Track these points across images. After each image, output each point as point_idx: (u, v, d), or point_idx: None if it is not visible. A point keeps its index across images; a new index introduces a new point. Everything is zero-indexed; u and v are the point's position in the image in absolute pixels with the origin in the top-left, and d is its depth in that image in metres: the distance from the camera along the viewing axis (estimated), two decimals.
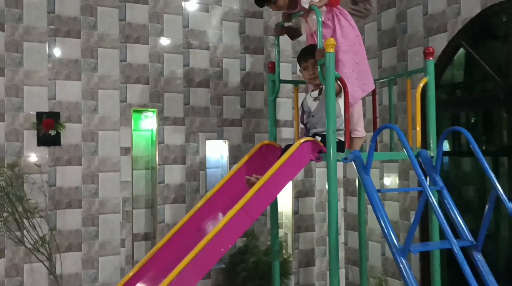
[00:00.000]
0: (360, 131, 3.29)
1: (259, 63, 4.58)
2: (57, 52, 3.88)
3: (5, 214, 3.46)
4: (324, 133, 2.98)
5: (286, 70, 4.57)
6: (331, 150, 2.91)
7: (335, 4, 3.17)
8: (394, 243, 2.58)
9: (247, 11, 4.55)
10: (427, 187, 2.39)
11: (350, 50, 3.18)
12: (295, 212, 4.68)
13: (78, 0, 3.95)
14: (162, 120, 4.20)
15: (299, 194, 4.71)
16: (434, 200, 2.38)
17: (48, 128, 3.75)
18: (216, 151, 4.56)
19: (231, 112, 4.45)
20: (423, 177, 2.40)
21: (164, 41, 4.24)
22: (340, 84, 2.98)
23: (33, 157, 3.75)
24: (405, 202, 4.12)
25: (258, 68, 4.58)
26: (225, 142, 4.45)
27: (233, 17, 4.50)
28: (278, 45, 3.54)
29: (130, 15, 4.12)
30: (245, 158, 3.42)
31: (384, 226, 2.67)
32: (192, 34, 4.34)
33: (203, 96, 4.35)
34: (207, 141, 4.36)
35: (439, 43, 3.79)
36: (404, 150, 2.59)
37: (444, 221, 2.33)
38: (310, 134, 3.18)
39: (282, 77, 3.61)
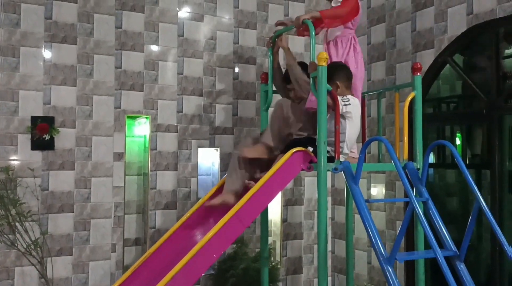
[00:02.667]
0: (355, 152, 3.42)
1: (251, 73, 4.68)
2: (53, 57, 3.93)
3: None
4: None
5: None
6: (322, 160, 3.00)
7: (327, 24, 3.29)
8: (381, 252, 2.68)
9: (241, 22, 4.65)
10: (413, 198, 2.49)
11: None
12: (284, 220, 4.76)
13: (76, 6, 4.01)
14: (155, 126, 4.26)
15: (288, 202, 4.80)
16: (420, 210, 2.48)
17: (42, 133, 3.79)
18: (208, 159, 4.63)
19: (223, 121, 4.53)
20: (409, 188, 2.50)
21: (159, 49, 4.31)
22: (332, 98, 3.08)
23: (26, 161, 3.78)
24: (392, 212, 4.23)
25: (250, 78, 4.67)
26: (217, 150, 4.53)
27: (227, 28, 4.59)
28: (271, 55, 3.63)
29: (126, 23, 4.19)
30: None
31: (371, 235, 2.77)
32: (186, 43, 4.42)
33: (196, 104, 4.43)
34: (199, 149, 4.43)
35: (426, 58, 3.93)
36: (392, 162, 2.70)
37: (429, 231, 2.43)
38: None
39: (273, 88, 3.70)
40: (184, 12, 4.42)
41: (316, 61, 3.03)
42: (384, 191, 4.36)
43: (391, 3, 4.31)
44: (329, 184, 4.92)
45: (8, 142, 3.74)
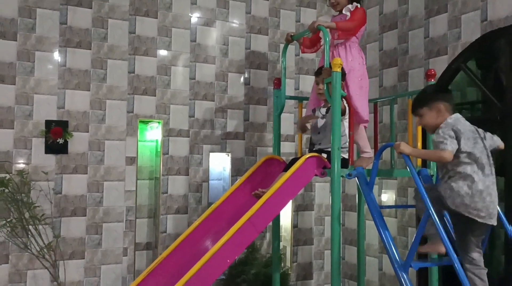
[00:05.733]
0: (369, 151, 3.43)
1: (263, 78, 4.69)
2: (67, 62, 3.96)
3: (13, 220, 3.50)
4: (329, 149, 3.08)
5: (290, 86, 4.68)
6: (336, 166, 3.00)
7: (340, 36, 3.32)
8: (396, 259, 2.67)
9: (253, 28, 4.67)
10: (429, 204, 2.48)
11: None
12: (295, 225, 4.75)
13: (90, 12, 4.04)
14: (167, 131, 4.28)
15: (299, 208, 4.79)
16: (436, 217, 2.47)
17: (56, 136, 3.82)
18: (219, 164, 4.64)
19: (234, 126, 4.54)
20: (426, 195, 2.50)
21: (172, 54, 4.33)
22: (346, 103, 3.09)
23: (40, 165, 3.80)
24: (403, 219, 4.21)
25: (262, 83, 4.69)
26: (228, 155, 4.54)
27: (239, 33, 4.61)
28: (284, 60, 3.64)
29: (139, 28, 4.22)
30: (249, 171, 3.51)
31: (386, 241, 2.76)
32: (198, 48, 4.44)
33: (208, 109, 4.44)
34: (211, 153, 4.44)
35: (439, 65, 3.92)
36: (408, 168, 2.69)
37: (446, 238, 2.41)
38: (314, 149, 3.28)
39: (286, 93, 3.71)
40: (197, 18, 4.45)
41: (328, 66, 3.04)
42: (395, 197, 4.35)
43: (404, 10, 4.32)
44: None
45: (23, 146, 3.77)
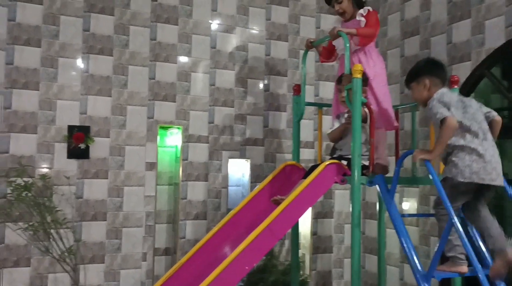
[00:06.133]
0: (385, 159, 3.39)
1: (282, 85, 4.68)
2: (90, 68, 4.02)
3: (35, 224, 3.55)
4: (349, 156, 3.04)
5: (309, 92, 4.66)
6: (356, 173, 2.97)
7: (361, 42, 3.30)
8: (418, 269, 2.61)
9: (272, 34, 4.67)
10: (452, 213, 2.42)
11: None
12: (314, 233, 4.71)
13: (112, 19, 4.10)
14: (187, 137, 4.30)
15: (318, 215, 4.75)
16: (459, 227, 2.41)
17: (78, 142, 3.87)
18: (238, 170, 4.63)
19: (254, 132, 4.54)
20: (449, 204, 2.44)
21: (192, 61, 4.36)
22: (367, 110, 3.06)
23: (63, 169, 3.86)
24: (425, 227, 4.13)
25: (282, 90, 4.68)
26: (247, 161, 4.53)
27: (259, 39, 4.62)
28: (304, 66, 3.63)
29: (160, 35, 4.26)
30: (269, 178, 3.49)
31: (408, 251, 2.70)
32: (218, 54, 4.46)
33: (227, 115, 4.45)
34: (230, 160, 4.44)
35: (462, 71, 3.85)
36: (430, 176, 2.64)
37: (470, 248, 2.36)
38: (335, 156, 3.24)
39: (305, 99, 3.69)
40: (217, 24, 4.47)
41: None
42: (416, 205, 4.27)
43: (426, 15, 4.26)
44: None
45: (46, 151, 3.83)
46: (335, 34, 3.20)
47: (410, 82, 2.83)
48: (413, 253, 2.70)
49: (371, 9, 3.41)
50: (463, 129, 2.57)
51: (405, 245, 2.75)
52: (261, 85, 4.61)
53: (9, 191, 3.57)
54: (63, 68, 3.94)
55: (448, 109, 2.56)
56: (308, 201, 3.05)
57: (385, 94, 3.37)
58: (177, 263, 3.21)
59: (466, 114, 2.61)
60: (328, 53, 3.63)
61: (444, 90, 2.70)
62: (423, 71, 2.76)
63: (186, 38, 4.35)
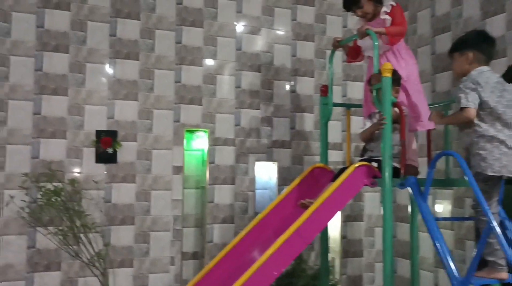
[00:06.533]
0: (415, 161, 3.26)
1: (309, 86, 4.61)
2: (116, 73, 4.05)
3: (65, 229, 3.59)
4: (380, 158, 2.95)
5: (337, 92, 4.57)
6: (387, 176, 2.87)
7: (391, 42, 3.19)
8: (454, 275, 2.50)
9: (298, 35, 4.60)
10: (491, 217, 2.31)
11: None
12: (343, 236, 4.61)
13: (138, 24, 4.12)
14: (213, 140, 4.27)
15: (348, 218, 4.65)
16: (499, 231, 2.29)
17: (106, 146, 3.90)
18: (265, 173, 4.58)
19: (281, 134, 4.48)
20: (487, 207, 2.33)
21: (217, 63, 4.34)
22: (397, 110, 2.96)
23: (91, 174, 3.89)
24: (460, 231, 3.98)
25: (308, 91, 4.60)
26: (274, 164, 4.47)
27: (284, 40, 4.56)
28: (331, 66, 3.55)
29: (186, 38, 4.25)
30: (296, 181, 3.42)
31: (443, 256, 2.60)
32: (244, 56, 4.42)
33: (253, 118, 4.41)
34: (257, 163, 4.39)
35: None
36: (466, 177, 2.52)
37: (511, 253, 2.23)
38: (365, 157, 3.15)
39: (333, 100, 3.60)
40: (242, 26, 4.44)
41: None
42: (451, 208, 4.12)
43: (458, 11, 4.12)
44: None
45: (74, 155, 3.87)
46: (364, 32, 3.11)
47: (454, 51, 2.72)
48: (448, 258, 2.59)
49: (393, 3, 3.28)
50: (494, 115, 2.47)
51: (440, 250, 2.64)
52: (287, 87, 4.54)
53: (39, 196, 3.61)
54: (91, 73, 3.97)
55: (478, 91, 2.46)
56: (337, 205, 2.97)
57: (419, 92, 3.26)
58: (205, 268, 3.18)
59: (501, 98, 2.49)
60: (355, 53, 3.54)
61: (484, 68, 2.58)
62: (470, 43, 2.64)
63: (212, 41, 4.33)
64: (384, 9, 3.26)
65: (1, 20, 3.76)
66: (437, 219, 2.71)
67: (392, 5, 3.26)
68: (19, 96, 3.77)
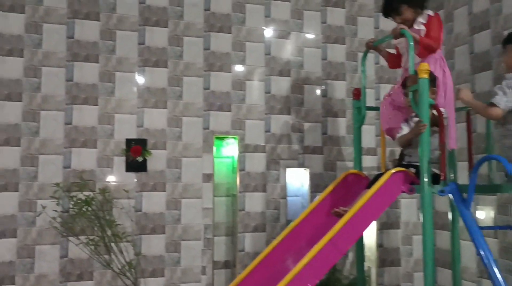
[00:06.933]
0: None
1: (341, 89, 4.48)
2: (146, 81, 4.04)
3: (95, 239, 3.58)
4: (418, 163, 2.80)
5: (369, 96, 4.42)
6: (426, 182, 2.72)
7: (420, 54, 3.05)
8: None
9: (329, 37, 4.49)
10: None
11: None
12: (380, 244, 4.44)
13: (166, 31, 4.10)
14: (243, 147, 4.20)
15: (383, 226, 4.48)
16: None
17: (136, 155, 3.88)
18: (297, 179, 4.47)
19: (312, 140, 4.37)
20: None
21: (246, 69, 4.27)
22: (435, 112, 2.81)
23: (122, 183, 3.88)
24: (505, 239, 3.76)
25: (340, 95, 4.47)
26: (306, 170, 4.36)
27: (315, 43, 4.46)
28: (364, 69, 3.43)
29: (214, 44, 4.21)
30: (329, 188, 3.31)
31: (489, 266, 2.44)
32: (273, 61, 4.34)
33: (284, 123, 4.31)
34: (288, 169, 4.29)
35: None
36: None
37: None
38: (403, 163, 3.00)
39: (366, 104, 3.47)
40: (271, 30, 4.36)
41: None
42: (494, 214, 3.90)
43: (497, 8, 3.91)
44: None
45: (105, 164, 3.87)
46: (398, 32, 2.98)
47: (508, 43, 2.65)
48: (495, 268, 2.43)
49: (432, 13, 3.11)
50: None
51: (485, 260, 2.48)
52: (318, 91, 4.43)
53: (71, 206, 3.62)
54: (120, 82, 3.98)
55: None
56: (373, 213, 2.84)
57: (451, 112, 3.09)
58: (237, 277, 3.10)
59: None
60: (397, 60, 3.39)
61: None
62: None
63: (240, 46, 4.27)
64: (420, 19, 3.10)
65: (33, 32, 3.81)
66: (482, 228, 2.54)
67: (429, 15, 3.11)
68: (51, 107, 3.81)
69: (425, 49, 3.05)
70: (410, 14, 3.14)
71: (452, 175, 3.31)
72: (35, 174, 3.72)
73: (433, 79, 2.85)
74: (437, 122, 2.82)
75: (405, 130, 2.99)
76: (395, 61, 3.41)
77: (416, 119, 2.89)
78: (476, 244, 2.53)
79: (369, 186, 2.90)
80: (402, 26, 3.00)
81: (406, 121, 3.06)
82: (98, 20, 3.95)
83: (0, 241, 3.61)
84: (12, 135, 3.71)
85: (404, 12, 3.13)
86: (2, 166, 3.67)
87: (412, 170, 2.85)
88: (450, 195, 2.75)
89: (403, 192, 2.87)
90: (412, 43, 2.89)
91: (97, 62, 3.94)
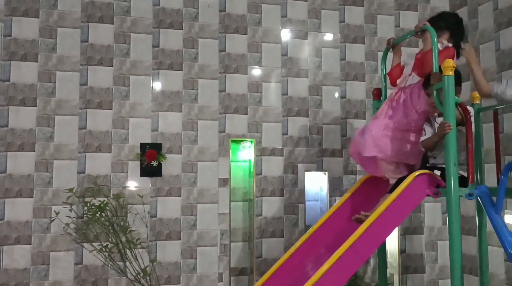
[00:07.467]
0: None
1: (360, 90, 4.35)
2: (160, 84, 3.97)
3: (109, 245, 3.51)
4: (443, 165, 2.65)
5: None
6: (452, 185, 2.57)
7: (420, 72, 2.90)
8: None
9: (347, 37, 4.36)
10: None
11: None
12: (402, 250, 4.28)
13: (181, 33, 4.03)
14: (260, 150, 4.10)
15: (406, 231, 4.31)
16: None
17: (150, 159, 3.81)
18: (316, 183, 4.34)
19: (331, 142, 4.24)
20: None
21: (263, 70, 4.17)
22: (462, 112, 2.66)
23: (137, 188, 3.81)
24: None
25: (360, 95, 4.34)
26: (325, 174, 4.23)
27: (333, 44, 4.34)
28: (384, 67, 3.30)
29: (229, 46, 4.12)
30: (349, 192, 3.20)
31: None
32: (290, 62, 4.24)
33: (302, 126, 4.20)
34: (306, 173, 4.17)
35: None
36: None
37: None
38: (428, 165, 2.86)
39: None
40: (288, 31, 4.26)
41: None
42: None
43: None
44: None
45: (119, 169, 3.81)
46: (420, 27, 2.84)
47: None
48: None
49: (450, 45, 2.90)
50: None
51: None
52: (337, 92, 4.30)
53: (85, 212, 3.56)
54: (135, 85, 3.92)
55: None
56: (396, 218, 2.71)
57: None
58: (255, 285, 2.99)
59: None
60: (397, 73, 3.18)
61: None
62: None
63: (256, 47, 4.18)
64: (438, 45, 2.89)
65: (47, 36, 3.78)
66: None
67: (446, 47, 2.88)
68: (65, 111, 3.77)
69: (424, 65, 2.86)
70: (444, 39, 2.95)
71: (478, 178, 3.15)
72: (49, 180, 3.68)
73: (458, 77, 2.70)
74: (463, 122, 2.67)
75: (428, 132, 2.84)
76: (396, 72, 3.18)
77: (440, 119, 2.75)
78: (507, 250, 2.37)
79: (391, 190, 2.77)
80: (425, 22, 2.87)
81: (429, 121, 2.92)
82: (112, 23, 3.91)
83: (14, 248, 3.57)
84: (26, 141, 3.68)
85: (441, 36, 2.94)
86: (17, 171, 3.64)
87: (437, 172, 2.71)
88: (479, 199, 2.60)
89: (428, 195, 2.73)
90: (436, 39, 2.75)
91: (111, 66, 3.89)
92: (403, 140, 2.90)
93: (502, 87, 2.68)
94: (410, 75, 3.02)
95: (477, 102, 3.34)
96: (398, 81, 3.11)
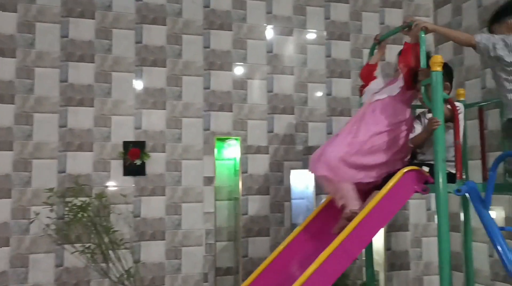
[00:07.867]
0: None
1: (346, 87, 4.33)
2: (143, 81, 3.89)
3: (92, 246, 3.41)
4: (432, 162, 2.64)
5: None
6: (441, 181, 2.56)
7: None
8: None
9: (333, 34, 4.34)
10: None
11: None
12: (388, 248, 4.28)
13: (165, 29, 3.95)
14: (246, 148, 4.05)
15: (391, 228, 4.32)
16: None
17: (134, 158, 3.72)
18: (302, 181, 4.30)
19: (317, 140, 4.21)
20: None
21: (248, 67, 4.12)
22: (449, 107, 2.65)
23: (119, 187, 3.72)
24: None
25: (345, 93, 4.32)
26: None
27: (318, 41, 4.31)
28: (372, 53, 3.27)
29: (214, 42, 4.06)
30: None
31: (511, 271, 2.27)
32: (275, 59, 4.20)
33: (287, 123, 4.16)
34: (292, 171, 4.13)
35: None
36: None
37: None
38: (415, 162, 2.85)
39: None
40: (273, 27, 4.21)
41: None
42: (504, 214, 3.74)
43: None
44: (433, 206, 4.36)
45: (102, 168, 3.71)
46: (408, 22, 2.83)
47: (492, 23, 2.73)
48: None
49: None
50: None
51: (507, 263, 2.32)
52: (322, 89, 4.28)
53: (66, 212, 3.45)
54: (117, 82, 3.83)
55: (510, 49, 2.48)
56: (385, 215, 2.69)
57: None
58: (241, 285, 2.94)
59: None
60: (370, 72, 3.19)
61: None
62: (506, 12, 2.65)
63: (241, 44, 4.12)
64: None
65: (25, 31, 3.66)
66: (502, 228, 2.38)
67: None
68: (45, 109, 3.66)
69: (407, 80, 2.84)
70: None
71: (463, 174, 3.15)
72: (28, 180, 3.56)
73: (447, 72, 2.69)
74: (451, 118, 2.66)
75: (418, 129, 2.83)
76: (369, 71, 3.19)
77: (429, 115, 2.74)
78: (495, 245, 2.37)
79: (380, 186, 2.75)
80: (413, 17, 2.85)
81: (418, 118, 2.91)
82: (93, 19, 3.81)
83: None
84: (4, 139, 3.55)
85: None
86: None
87: (425, 168, 2.70)
88: (467, 195, 2.59)
89: (417, 192, 2.72)
90: (423, 36, 2.74)
91: (93, 62, 3.79)
92: (394, 144, 2.85)
93: (492, 38, 2.60)
94: (378, 92, 2.99)
95: (462, 99, 3.37)
96: (364, 98, 3.09)
